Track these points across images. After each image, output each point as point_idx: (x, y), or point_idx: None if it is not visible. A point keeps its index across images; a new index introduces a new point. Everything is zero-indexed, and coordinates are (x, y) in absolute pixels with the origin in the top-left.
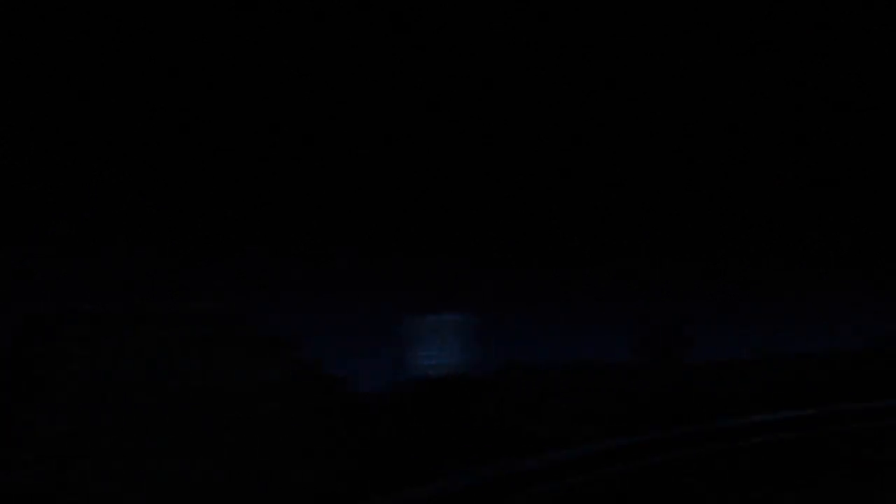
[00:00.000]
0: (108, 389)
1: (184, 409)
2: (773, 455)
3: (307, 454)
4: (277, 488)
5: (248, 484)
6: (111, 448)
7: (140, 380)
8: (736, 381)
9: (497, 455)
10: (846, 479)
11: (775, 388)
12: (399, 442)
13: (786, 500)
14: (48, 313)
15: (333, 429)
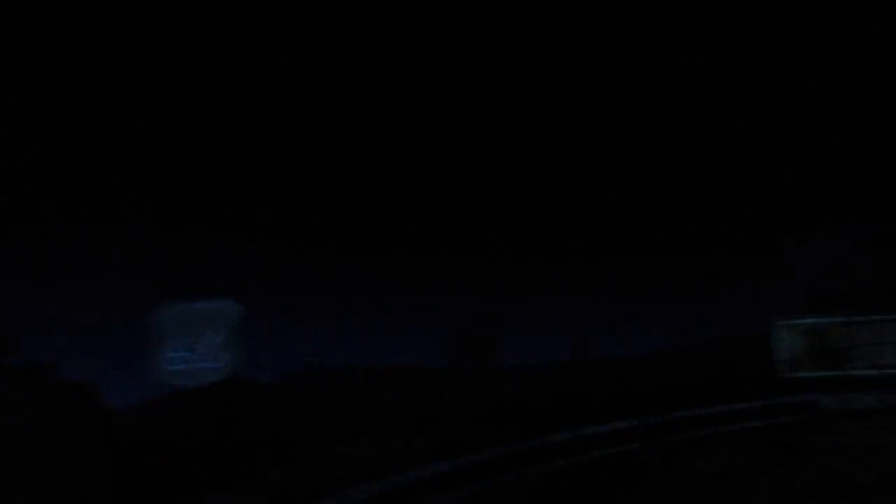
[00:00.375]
0: None
1: None
2: (581, 476)
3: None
4: None
5: None
6: None
7: None
8: (551, 386)
9: (284, 487)
10: (657, 495)
11: (588, 395)
12: (156, 471)
13: None
14: None
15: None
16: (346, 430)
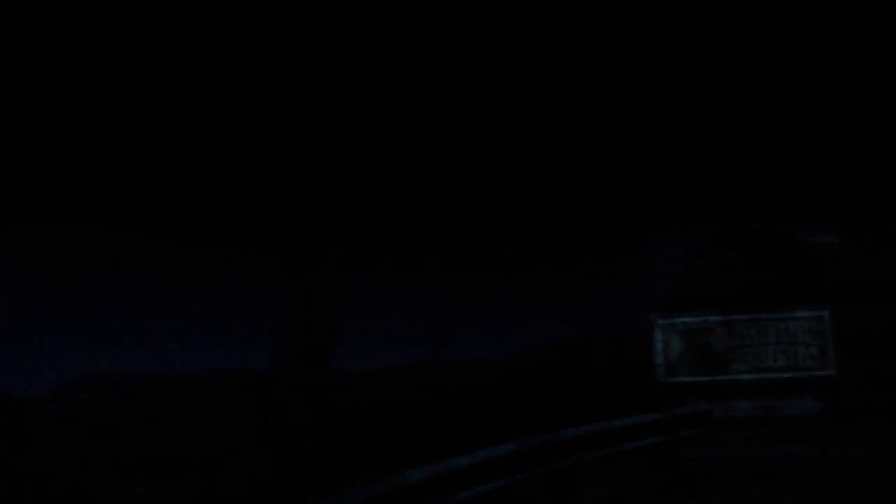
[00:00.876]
0: None
1: None
2: None
3: None
4: None
5: None
6: None
7: None
8: (401, 396)
9: None
10: None
11: (450, 409)
12: None
13: None
14: None
15: None
16: (133, 461)
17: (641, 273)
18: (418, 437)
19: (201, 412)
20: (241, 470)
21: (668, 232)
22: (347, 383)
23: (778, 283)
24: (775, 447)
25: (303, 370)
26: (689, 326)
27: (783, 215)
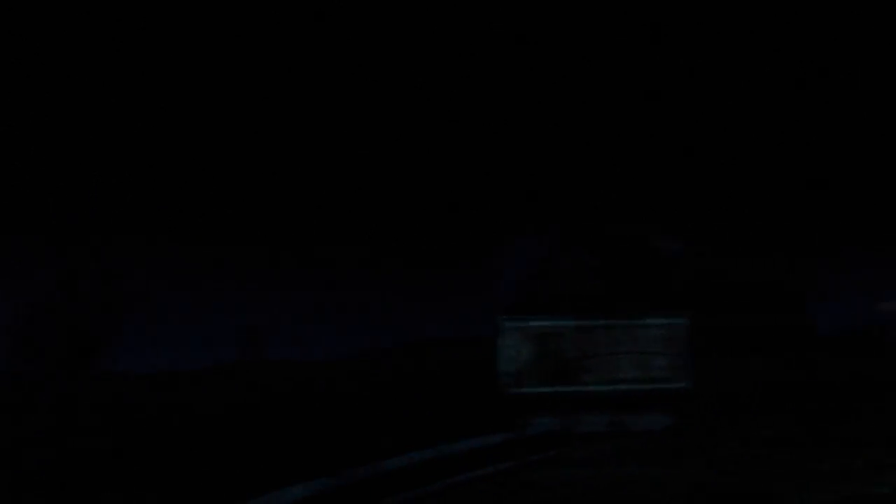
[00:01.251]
0: None
1: None
2: None
3: None
4: None
5: None
6: None
7: None
8: (178, 407)
9: None
10: None
11: (249, 428)
12: None
13: None
14: None
15: None
16: None
17: (490, 274)
18: (190, 466)
19: None
20: None
21: (519, 232)
22: (128, 386)
23: (632, 288)
24: (626, 468)
25: (59, 369)
26: (540, 330)
27: (629, 219)
